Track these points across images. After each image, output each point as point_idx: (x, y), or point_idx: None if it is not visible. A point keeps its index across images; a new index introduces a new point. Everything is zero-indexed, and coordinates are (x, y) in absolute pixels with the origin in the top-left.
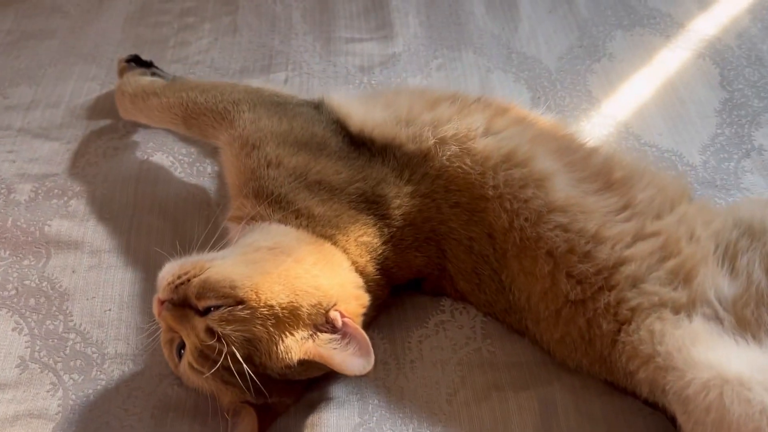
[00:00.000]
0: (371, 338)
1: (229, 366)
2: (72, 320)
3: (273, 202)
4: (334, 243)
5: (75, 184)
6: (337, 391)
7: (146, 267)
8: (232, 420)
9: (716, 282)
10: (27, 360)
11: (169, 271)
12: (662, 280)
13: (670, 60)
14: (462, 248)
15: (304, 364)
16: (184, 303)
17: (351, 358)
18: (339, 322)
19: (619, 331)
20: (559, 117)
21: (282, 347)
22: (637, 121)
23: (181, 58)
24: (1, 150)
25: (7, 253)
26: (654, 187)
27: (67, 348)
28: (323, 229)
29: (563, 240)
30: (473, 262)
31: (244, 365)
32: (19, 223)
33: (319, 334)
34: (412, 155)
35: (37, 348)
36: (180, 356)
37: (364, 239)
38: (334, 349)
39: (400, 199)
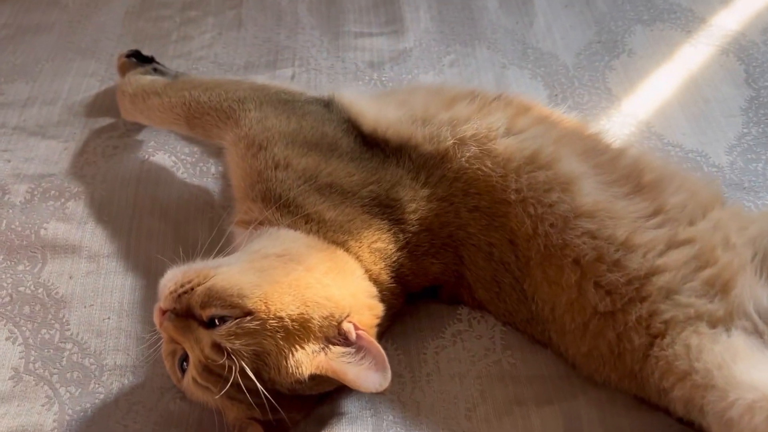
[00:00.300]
0: (385, 349)
1: (237, 381)
2: (69, 329)
3: (281, 205)
4: (347, 249)
5: (73, 185)
6: (350, 405)
7: (147, 273)
8: None
9: (755, 293)
10: (21, 372)
11: (171, 279)
12: (697, 291)
13: (692, 56)
14: (481, 255)
15: (316, 379)
16: (188, 313)
17: (366, 374)
18: (352, 335)
19: (652, 345)
20: (579, 115)
21: (292, 361)
22: (659, 119)
23: (184, 54)
24: None
25: (1, 257)
26: (685, 191)
27: (64, 359)
28: (335, 235)
29: (591, 247)
30: (493, 270)
31: (256, 381)
32: (13, 226)
33: (331, 347)
34: (429, 156)
35: (32, 359)
36: (183, 369)
37: (378, 245)
38: (348, 363)
39: (416, 202)
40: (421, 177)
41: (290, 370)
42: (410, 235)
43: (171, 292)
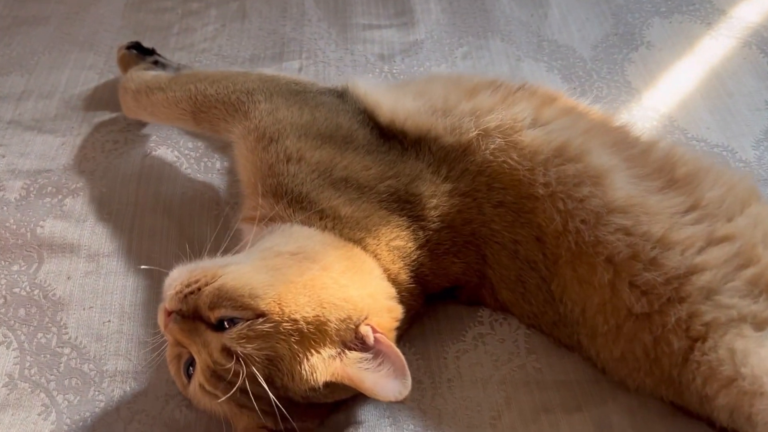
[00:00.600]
0: (403, 353)
1: (247, 388)
2: (66, 333)
3: (293, 201)
4: (364, 248)
5: (70, 181)
6: (366, 414)
7: (150, 273)
8: None
9: None
10: (16, 378)
11: (177, 278)
12: (740, 291)
13: (713, 49)
14: (506, 253)
15: (331, 386)
16: (195, 315)
17: (384, 381)
18: (370, 339)
19: (692, 348)
20: (600, 108)
21: (306, 367)
22: (681, 113)
23: (186, 46)
24: None
25: None
26: (722, 186)
27: (61, 365)
28: (351, 232)
29: (625, 245)
30: (518, 269)
31: (267, 388)
32: (8, 224)
33: (347, 352)
34: (451, 149)
35: (27, 365)
36: (189, 375)
37: (396, 243)
38: (365, 370)
39: (437, 198)
40: (442, 171)
41: (304, 377)
42: (431, 232)
43: (177, 292)
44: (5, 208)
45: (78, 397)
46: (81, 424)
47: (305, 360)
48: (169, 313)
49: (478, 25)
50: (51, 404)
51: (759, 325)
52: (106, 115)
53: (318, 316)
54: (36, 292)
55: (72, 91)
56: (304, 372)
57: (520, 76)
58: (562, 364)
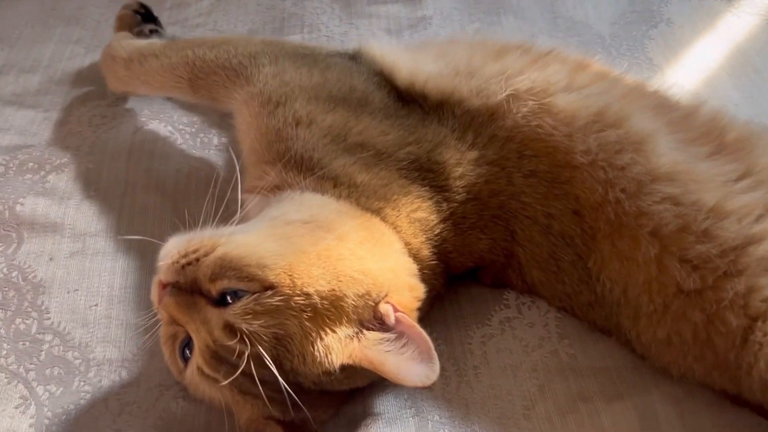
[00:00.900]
0: None
1: (252, 372)
2: (48, 318)
3: (304, 167)
4: (382, 219)
5: (54, 157)
6: (386, 404)
7: (142, 253)
8: None
9: None
10: None
11: (174, 248)
12: None
13: (736, 26)
14: (537, 229)
15: (347, 370)
16: (193, 288)
17: (409, 365)
18: (391, 318)
19: (752, 328)
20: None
21: (320, 348)
22: (707, 90)
23: (180, 21)
24: None
25: None
26: None
27: (42, 353)
28: (368, 201)
29: (674, 215)
30: (551, 246)
31: (275, 371)
32: None
33: (365, 332)
34: (477, 113)
35: (4, 353)
36: (185, 357)
37: (418, 215)
38: (387, 352)
39: (462, 167)
40: (467, 137)
41: (317, 359)
42: (455, 204)
43: (174, 262)
44: None
45: (61, 388)
46: (64, 417)
47: (319, 340)
48: (164, 286)
49: (488, 1)
50: (30, 396)
51: None
52: (94, 90)
53: (334, 290)
54: (14, 274)
55: (56, 66)
56: (317, 353)
57: None
58: (597, 350)
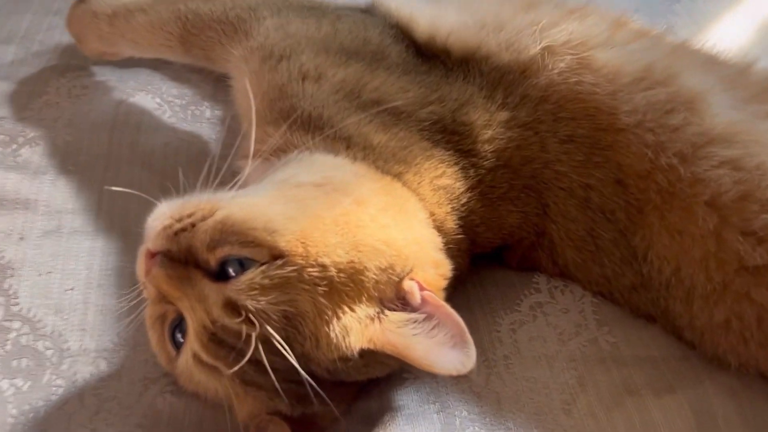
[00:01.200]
0: None
1: (260, 359)
2: (17, 303)
3: (312, 127)
4: (403, 184)
5: (28, 130)
6: (405, 398)
7: (125, 233)
8: None
9: None
10: None
11: (166, 212)
12: None
13: (763, 3)
14: (574, 202)
15: (366, 356)
16: (188, 258)
17: (440, 350)
18: (416, 297)
19: None
20: None
21: (337, 329)
22: None
23: None
24: None
25: None
26: None
27: (8, 342)
28: (387, 165)
29: (734, 181)
30: (589, 222)
31: (291, 357)
32: None
33: (387, 312)
34: (507, 70)
35: None
36: (176, 343)
37: (443, 182)
38: (415, 334)
39: (491, 129)
40: (497, 96)
41: (333, 342)
42: (483, 171)
43: (165, 227)
44: None
45: (29, 382)
46: (31, 415)
47: (335, 319)
48: (152, 256)
49: None
50: None
51: None
52: (75, 62)
53: (353, 261)
54: None
55: (34, 37)
56: (333, 335)
57: None
58: (640, 338)
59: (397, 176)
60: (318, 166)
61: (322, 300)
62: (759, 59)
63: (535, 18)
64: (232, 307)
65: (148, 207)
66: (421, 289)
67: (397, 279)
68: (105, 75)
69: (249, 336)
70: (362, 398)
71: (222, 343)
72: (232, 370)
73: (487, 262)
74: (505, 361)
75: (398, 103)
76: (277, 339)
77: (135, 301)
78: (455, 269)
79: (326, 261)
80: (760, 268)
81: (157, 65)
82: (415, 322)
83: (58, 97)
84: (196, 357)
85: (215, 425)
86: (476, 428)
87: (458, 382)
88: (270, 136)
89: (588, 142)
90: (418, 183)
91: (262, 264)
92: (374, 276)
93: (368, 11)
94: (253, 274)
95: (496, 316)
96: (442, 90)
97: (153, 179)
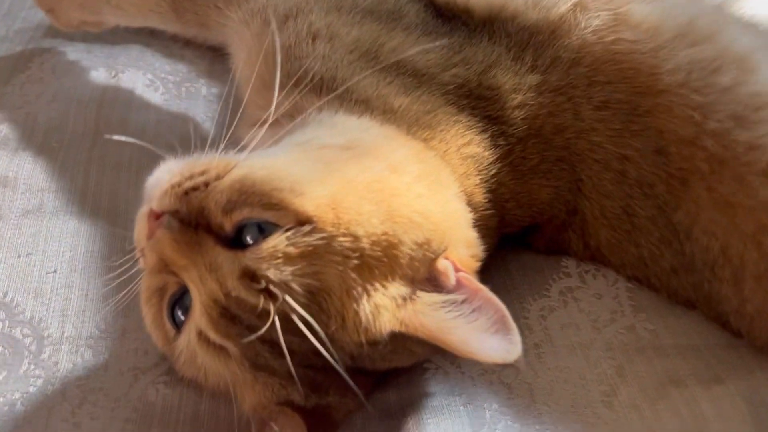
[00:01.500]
0: None
1: (276, 339)
2: None
3: (324, 90)
4: None
5: (8, 106)
6: (428, 391)
7: (113, 214)
8: None
9: None
10: None
11: (174, 169)
12: None
13: None
14: (609, 176)
15: (395, 341)
16: (198, 222)
17: (482, 336)
18: (451, 279)
19: None
20: None
21: (366, 308)
22: None
23: None
24: None
25: None
26: None
27: None
28: (410, 130)
29: None
30: (625, 198)
31: (322, 334)
32: None
33: (419, 293)
34: (535, 30)
35: None
36: (176, 321)
37: (471, 150)
38: (454, 318)
39: (520, 94)
40: (526, 58)
41: (362, 323)
42: (514, 140)
43: (174, 185)
44: None
45: (4, 372)
46: (6, 408)
47: (365, 297)
48: (156, 217)
49: None
50: None
51: None
52: (60, 39)
53: (387, 233)
54: None
55: (17, 14)
56: (362, 315)
57: None
58: (680, 325)
59: (423, 143)
60: (342, 128)
61: (352, 274)
62: None
63: None
64: (251, 277)
65: (136, 185)
66: (456, 270)
67: (432, 256)
68: (93, 51)
69: (266, 311)
70: (379, 390)
71: (234, 320)
72: (247, 340)
73: (511, 245)
74: (536, 350)
75: (419, 64)
76: (301, 314)
77: (125, 276)
78: (485, 250)
79: (359, 231)
80: None
81: (149, 41)
82: (453, 304)
83: (42, 72)
84: (201, 336)
85: (215, 419)
86: (508, 422)
87: (485, 373)
88: (278, 102)
89: (625, 108)
90: (445, 151)
91: (287, 229)
92: (409, 251)
93: None
94: (276, 241)
95: (523, 302)
96: (465, 52)
97: (143, 157)
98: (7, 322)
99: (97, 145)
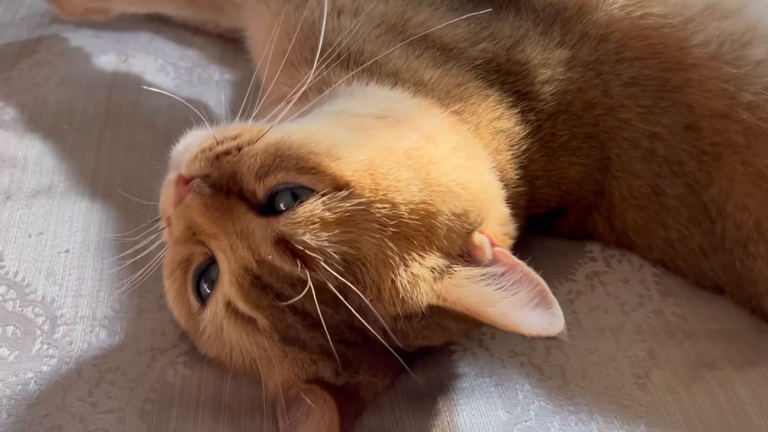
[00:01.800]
0: None
1: (308, 309)
2: (3, 266)
3: (352, 63)
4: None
5: (15, 88)
6: (457, 372)
7: (124, 198)
8: (289, 417)
9: None
10: None
11: (203, 135)
12: None
13: None
14: (638, 154)
15: (432, 316)
16: (230, 188)
17: (523, 309)
18: (487, 253)
19: None
20: None
21: (404, 279)
22: None
23: None
24: None
25: None
26: None
27: None
28: (442, 103)
29: None
30: (654, 177)
31: (366, 299)
32: None
33: (455, 267)
34: (561, 6)
35: None
36: (201, 294)
37: (502, 124)
38: (495, 290)
39: (550, 68)
40: (554, 32)
41: (399, 294)
42: (544, 116)
43: (204, 149)
44: None
45: (16, 352)
46: (19, 388)
47: (402, 267)
48: (186, 182)
49: None
50: None
51: None
52: (67, 25)
53: (426, 202)
54: None
55: (22, 0)
56: (399, 286)
57: None
58: (709, 310)
59: (456, 116)
60: (375, 99)
61: (389, 243)
62: None
63: None
64: (285, 245)
65: (149, 167)
66: (492, 245)
67: (469, 228)
68: (101, 37)
69: (301, 280)
70: (405, 372)
71: (266, 290)
72: (284, 304)
73: (534, 230)
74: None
75: (447, 38)
76: (340, 280)
77: (141, 255)
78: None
79: (397, 198)
80: None
81: (159, 28)
82: (492, 276)
83: (50, 56)
84: (229, 307)
85: (237, 399)
86: (542, 403)
87: (515, 355)
88: (299, 77)
89: (654, 85)
90: (477, 125)
91: (323, 195)
92: (447, 222)
93: None
94: (312, 205)
95: (550, 285)
96: (493, 27)
97: (156, 139)
98: (18, 301)
99: (108, 126)
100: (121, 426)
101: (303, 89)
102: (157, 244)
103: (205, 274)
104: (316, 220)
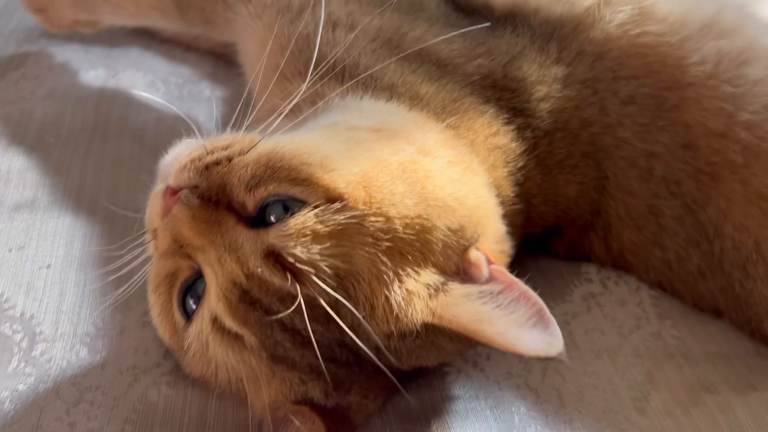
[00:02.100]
0: None
1: (298, 326)
2: None
3: (347, 76)
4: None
5: (1, 101)
6: (451, 394)
7: (110, 212)
8: None
9: None
10: None
11: (193, 145)
12: None
13: None
14: (635, 174)
15: (427, 335)
16: (219, 199)
17: (522, 329)
18: (484, 271)
19: None
20: None
21: (398, 295)
22: None
23: None
24: None
25: None
26: None
27: None
28: (438, 117)
29: None
30: (651, 197)
31: (359, 315)
32: None
33: (450, 284)
34: (559, 24)
35: None
36: (186, 309)
37: (498, 141)
38: (492, 309)
39: (546, 86)
40: (550, 49)
41: (393, 311)
42: (540, 134)
43: (194, 159)
44: None
45: None
46: None
47: (396, 284)
48: (174, 193)
49: None
50: None
51: None
52: (55, 39)
53: (421, 216)
54: None
55: (12, 14)
56: (393, 303)
57: None
58: (707, 333)
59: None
60: (370, 112)
61: (383, 258)
62: None
63: None
64: (275, 258)
65: (137, 182)
66: (488, 262)
67: (465, 245)
68: (91, 51)
69: (291, 295)
70: (397, 394)
71: (254, 305)
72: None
73: (528, 250)
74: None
75: (443, 54)
76: (332, 294)
77: (124, 271)
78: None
79: (392, 212)
80: None
81: (149, 43)
82: (489, 294)
83: (38, 69)
84: (216, 323)
85: (222, 421)
86: (538, 427)
87: (510, 377)
88: (295, 89)
89: (652, 104)
90: (473, 141)
91: (316, 207)
92: (443, 237)
93: None
94: (304, 217)
95: (547, 306)
96: (489, 43)
97: (144, 154)
98: None
99: (95, 140)
100: None
101: (295, 101)
102: (141, 259)
103: (191, 289)
104: (308, 232)
